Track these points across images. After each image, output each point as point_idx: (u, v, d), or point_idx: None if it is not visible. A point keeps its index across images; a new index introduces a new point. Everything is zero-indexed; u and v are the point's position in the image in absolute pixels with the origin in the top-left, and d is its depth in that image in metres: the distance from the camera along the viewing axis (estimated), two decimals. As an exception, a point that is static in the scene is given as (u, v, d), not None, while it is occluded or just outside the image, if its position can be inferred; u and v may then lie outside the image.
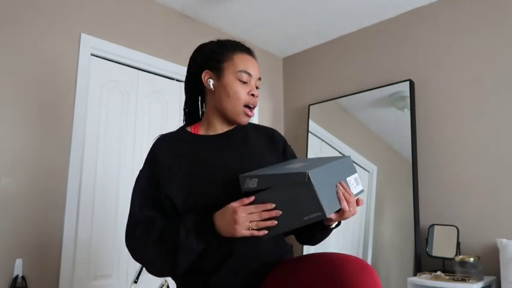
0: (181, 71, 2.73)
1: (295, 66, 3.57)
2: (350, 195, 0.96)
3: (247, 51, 1.16)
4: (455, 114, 2.54)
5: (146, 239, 1.01)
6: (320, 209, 0.87)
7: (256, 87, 1.14)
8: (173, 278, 1.10)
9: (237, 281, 1.02)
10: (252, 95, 1.11)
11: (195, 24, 2.91)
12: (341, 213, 0.96)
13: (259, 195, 0.95)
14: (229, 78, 1.10)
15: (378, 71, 2.95)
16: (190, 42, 2.82)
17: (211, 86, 1.12)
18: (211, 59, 1.14)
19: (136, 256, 1.05)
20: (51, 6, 2.16)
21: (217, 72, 1.12)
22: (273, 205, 0.94)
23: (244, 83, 1.11)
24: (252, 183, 0.95)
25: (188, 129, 1.19)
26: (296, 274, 0.97)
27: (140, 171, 1.13)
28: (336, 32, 3.18)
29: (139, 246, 1.03)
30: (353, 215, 0.98)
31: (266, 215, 0.93)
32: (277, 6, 2.78)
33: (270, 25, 3.06)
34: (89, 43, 2.28)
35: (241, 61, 1.12)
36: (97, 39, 2.32)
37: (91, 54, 2.31)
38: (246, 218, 0.93)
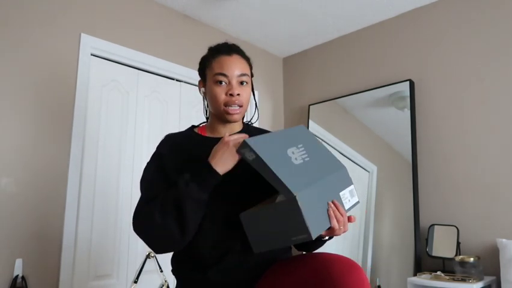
0: (181, 71, 2.74)
1: (295, 66, 3.57)
2: (341, 214, 0.96)
3: (227, 51, 1.18)
4: (455, 114, 2.54)
5: (153, 211, 1.01)
6: (306, 231, 0.87)
7: (242, 83, 1.15)
8: (180, 247, 1.06)
9: (233, 277, 1.05)
10: (231, 94, 1.12)
11: (195, 24, 2.91)
12: (331, 231, 0.96)
13: (250, 213, 0.96)
14: (210, 83, 1.16)
15: (378, 71, 2.95)
16: (190, 42, 2.85)
17: (202, 94, 1.23)
18: (200, 69, 1.23)
19: (145, 232, 1.04)
20: (51, 6, 2.16)
21: (204, 81, 1.21)
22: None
23: (221, 84, 1.14)
24: (249, 156, 0.92)
25: (196, 130, 1.24)
26: (287, 275, 0.99)
27: (148, 163, 1.16)
28: (336, 32, 3.18)
29: (146, 220, 1.02)
30: (344, 232, 0.98)
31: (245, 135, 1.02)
32: (278, 6, 2.78)
33: (270, 25, 3.06)
34: (89, 43, 2.28)
35: (217, 64, 1.15)
36: (97, 39, 2.32)
37: (91, 54, 2.31)
38: (233, 137, 1.01)
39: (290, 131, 1.05)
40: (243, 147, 0.92)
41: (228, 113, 1.13)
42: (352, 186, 1.07)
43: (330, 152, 1.10)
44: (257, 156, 0.90)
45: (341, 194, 1.01)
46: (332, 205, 0.95)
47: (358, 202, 1.09)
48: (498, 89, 2.39)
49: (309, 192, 0.90)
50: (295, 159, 0.97)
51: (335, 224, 0.94)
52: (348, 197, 1.03)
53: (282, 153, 0.95)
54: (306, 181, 0.92)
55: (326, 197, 0.96)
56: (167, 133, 1.23)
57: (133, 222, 1.07)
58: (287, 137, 1.02)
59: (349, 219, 1.00)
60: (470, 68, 2.51)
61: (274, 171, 0.89)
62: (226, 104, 1.13)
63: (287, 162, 0.94)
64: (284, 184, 0.87)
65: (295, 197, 0.86)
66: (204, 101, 1.32)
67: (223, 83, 1.13)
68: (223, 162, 0.98)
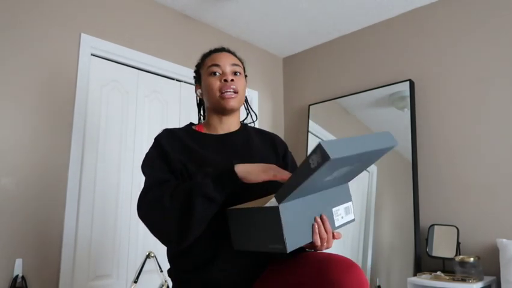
0: (181, 71, 2.74)
1: (295, 66, 3.57)
2: (327, 231, 0.94)
3: (217, 50, 1.24)
4: (455, 114, 2.54)
5: (161, 193, 0.98)
6: (282, 243, 0.85)
7: (235, 73, 1.20)
8: (181, 246, 0.99)
9: (228, 276, 1.04)
10: (225, 80, 1.16)
11: (194, 24, 2.91)
12: (313, 245, 0.95)
13: (236, 209, 0.94)
14: (204, 78, 1.21)
15: (378, 71, 2.95)
16: (190, 42, 2.85)
17: (199, 95, 1.28)
18: (196, 75, 1.28)
19: (148, 216, 1.00)
20: (51, 6, 2.16)
21: (199, 81, 1.25)
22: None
23: (215, 75, 1.18)
24: (312, 162, 0.77)
25: (193, 127, 1.24)
26: (286, 275, 0.99)
27: (148, 152, 1.14)
28: (336, 32, 3.18)
29: (152, 203, 0.99)
30: (327, 248, 0.97)
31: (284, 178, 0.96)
32: (277, 6, 2.78)
33: (270, 25, 3.06)
34: (89, 43, 2.28)
35: (209, 60, 1.21)
36: (97, 39, 2.32)
37: (91, 54, 2.32)
38: (274, 172, 0.96)
39: (375, 146, 0.88)
40: (323, 154, 0.74)
41: (224, 98, 1.15)
42: (350, 203, 1.05)
43: (364, 169, 1.02)
44: (315, 169, 0.77)
45: (334, 209, 0.99)
46: (319, 220, 0.94)
47: (353, 220, 1.07)
48: (498, 89, 2.39)
49: (296, 205, 0.88)
50: (332, 176, 0.88)
51: (316, 239, 0.93)
52: (341, 214, 1.01)
53: (333, 171, 0.84)
54: (304, 194, 0.90)
55: (314, 211, 0.94)
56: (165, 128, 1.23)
57: (139, 204, 1.03)
58: (363, 154, 0.85)
59: (333, 236, 0.98)
60: (470, 68, 2.51)
61: (299, 186, 0.81)
62: (221, 90, 1.16)
63: (321, 179, 0.86)
64: (288, 193, 0.84)
65: (277, 206, 0.85)
66: (199, 105, 1.34)
67: (217, 74, 1.18)
68: (248, 170, 0.95)
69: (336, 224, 1.00)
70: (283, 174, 0.95)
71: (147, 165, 1.10)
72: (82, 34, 2.26)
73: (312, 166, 0.77)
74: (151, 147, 1.15)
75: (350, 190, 1.09)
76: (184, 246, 0.97)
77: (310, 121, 3.26)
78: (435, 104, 2.63)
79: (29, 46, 2.05)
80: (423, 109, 2.68)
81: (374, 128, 2.85)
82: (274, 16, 2.92)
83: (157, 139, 1.15)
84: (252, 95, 3.25)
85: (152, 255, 2.42)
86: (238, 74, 1.20)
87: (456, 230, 2.33)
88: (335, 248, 2.73)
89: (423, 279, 2.19)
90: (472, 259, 2.16)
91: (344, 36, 3.22)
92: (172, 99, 2.72)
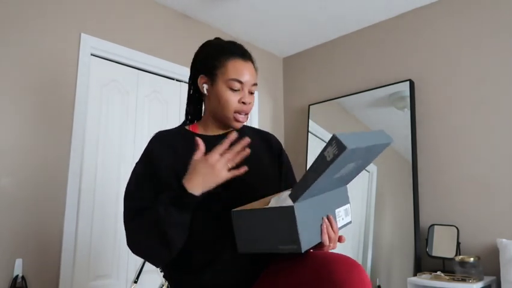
0: (181, 71, 2.74)
1: (295, 66, 3.57)
2: (334, 231, 0.95)
3: (242, 56, 1.13)
4: (455, 114, 2.54)
5: (138, 230, 1.01)
6: (297, 243, 0.84)
7: (251, 92, 1.13)
8: (171, 258, 1.04)
9: (227, 278, 1.03)
10: (243, 102, 1.10)
11: (195, 24, 2.91)
12: (320, 246, 0.95)
13: (242, 211, 0.93)
14: (221, 86, 1.10)
15: (378, 71, 2.95)
16: (190, 42, 2.83)
17: (205, 91, 1.13)
18: (206, 64, 1.14)
19: (136, 250, 1.04)
20: (51, 6, 2.16)
21: (211, 79, 1.12)
22: (236, 135, 0.98)
23: (235, 91, 1.09)
24: (328, 154, 0.78)
25: (187, 127, 1.20)
26: (286, 276, 0.98)
27: (137, 163, 1.12)
28: (336, 32, 3.18)
29: (135, 239, 1.02)
30: (333, 249, 0.97)
31: (238, 147, 0.96)
32: (277, 6, 2.78)
33: (270, 25, 3.06)
34: (89, 43, 2.28)
35: (233, 68, 1.10)
36: (97, 39, 2.32)
37: (91, 54, 2.32)
38: (221, 160, 0.94)
39: (378, 141, 0.92)
40: (339, 144, 0.76)
41: (238, 121, 1.11)
42: (348, 205, 1.06)
43: (361, 170, 1.04)
44: (331, 161, 0.78)
45: (336, 211, 1.00)
46: (326, 220, 0.94)
47: (350, 222, 1.07)
48: (498, 89, 2.39)
49: (307, 205, 0.88)
50: (339, 173, 0.90)
51: (325, 239, 0.93)
52: (342, 216, 1.02)
53: (342, 166, 0.86)
54: (314, 194, 0.90)
55: (322, 212, 0.94)
56: (158, 130, 1.19)
57: (126, 236, 1.05)
58: (368, 148, 0.88)
59: (339, 239, 0.98)
60: (470, 68, 2.51)
61: (315, 182, 0.82)
62: (237, 111, 1.10)
63: (332, 175, 0.87)
64: (304, 191, 0.84)
65: (293, 206, 0.84)
66: (190, 91, 1.22)
67: (237, 90, 1.10)
68: (204, 185, 0.94)
69: (338, 225, 1.00)
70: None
71: (128, 190, 1.09)
72: (82, 34, 2.26)
73: (328, 159, 0.78)
74: (140, 158, 1.12)
75: (349, 190, 1.10)
76: (174, 256, 1.00)
77: (310, 121, 3.26)
78: (435, 104, 2.63)
79: (29, 46, 2.05)
80: (423, 109, 2.68)
81: (374, 128, 2.85)
82: (274, 16, 2.92)
83: (148, 148, 1.12)
84: (252, 95, 3.25)
85: (152, 255, 2.42)
86: (253, 93, 1.14)
87: (456, 230, 2.33)
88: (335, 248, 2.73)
89: (423, 279, 2.19)
90: (472, 259, 2.16)
91: (344, 36, 3.22)
92: (172, 99, 2.72)
